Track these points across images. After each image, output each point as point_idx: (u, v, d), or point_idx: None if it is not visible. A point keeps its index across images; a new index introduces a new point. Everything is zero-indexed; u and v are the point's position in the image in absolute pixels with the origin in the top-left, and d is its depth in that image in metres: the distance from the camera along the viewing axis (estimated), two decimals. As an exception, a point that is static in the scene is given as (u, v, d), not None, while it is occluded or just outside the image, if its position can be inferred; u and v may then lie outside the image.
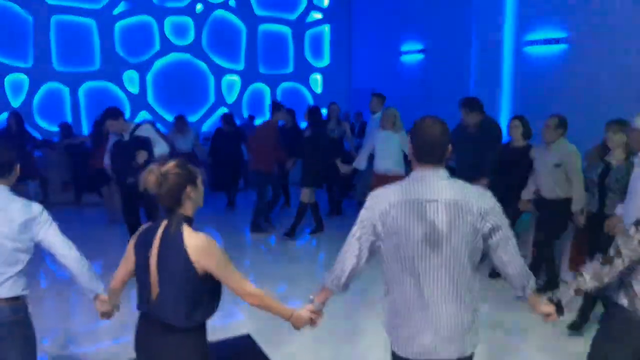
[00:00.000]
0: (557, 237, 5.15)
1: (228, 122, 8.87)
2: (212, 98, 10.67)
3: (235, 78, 10.86)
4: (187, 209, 2.25)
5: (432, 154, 2.19)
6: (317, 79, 11.72)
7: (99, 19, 9.60)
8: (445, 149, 2.20)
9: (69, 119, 9.50)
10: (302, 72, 11.51)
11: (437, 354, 2.20)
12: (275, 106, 7.40)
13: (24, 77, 9.27)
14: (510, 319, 4.69)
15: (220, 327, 4.44)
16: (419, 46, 9.68)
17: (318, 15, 11.50)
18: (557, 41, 7.01)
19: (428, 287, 2.17)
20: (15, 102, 9.21)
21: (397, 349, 2.28)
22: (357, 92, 11.61)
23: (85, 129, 9.66)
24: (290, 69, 11.41)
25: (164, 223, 2.23)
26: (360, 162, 6.86)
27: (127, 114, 9.89)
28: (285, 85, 11.38)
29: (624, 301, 2.56)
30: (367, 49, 11.37)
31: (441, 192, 2.16)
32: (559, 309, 2.52)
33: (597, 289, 2.53)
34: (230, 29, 10.74)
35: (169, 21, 10.13)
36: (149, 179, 2.18)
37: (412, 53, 9.86)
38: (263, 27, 11.01)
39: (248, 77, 10.94)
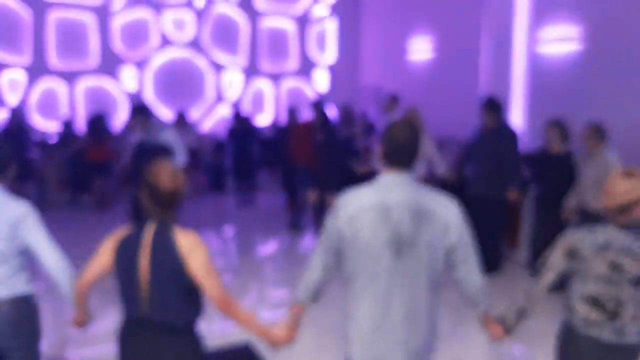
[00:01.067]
0: None
1: (241, 121, 8.91)
2: (212, 95, 10.46)
3: (236, 74, 10.65)
4: (175, 212, 2.30)
5: (401, 158, 2.17)
6: (321, 76, 11.49)
7: (97, 14, 9.43)
8: (414, 154, 2.18)
9: (66, 115, 9.32)
10: (306, 68, 11.28)
11: None
12: (316, 105, 7.27)
13: (21, 73, 9.11)
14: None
15: (219, 333, 4.28)
16: (428, 43, 9.46)
17: (323, 10, 11.28)
18: (572, 39, 6.76)
19: (388, 294, 2.15)
20: (12, 99, 9.06)
21: (349, 354, 2.27)
22: (363, 89, 11.40)
23: (84, 125, 9.50)
24: (293, 65, 11.19)
25: (152, 226, 2.24)
26: (377, 163, 6.70)
27: (125, 111, 9.74)
28: (288, 82, 11.16)
29: (565, 314, 2.50)
30: (374, 45, 11.15)
31: (407, 198, 2.14)
32: (506, 330, 2.50)
33: (530, 308, 2.49)
34: (232, 24, 10.53)
35: (169, 16, 9.93)
36: (165, 172, 2.23)
37: (420, 50, 9.63)
38: (265, 22, 10.79)
39: (250, 73, 10.73)
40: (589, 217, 4.80)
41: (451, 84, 8.79)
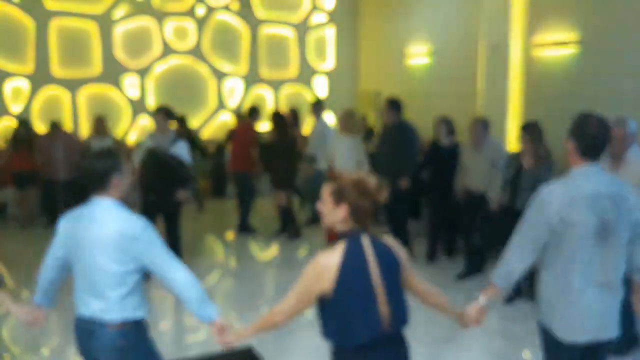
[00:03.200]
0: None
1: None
2: (213, 102, 10.55)
3: (237, 82, 10.75)
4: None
5: (597, 150, 2.38)
6: (321, 82, 11.59)
7: (99, 23, 9.53)
8: (606, 146, 2.39)
9: (69, 123, 9.41)
10: (306, 75, 11.37)
11: (598, 335, 2.45)
12: (252, 110, 7.72)
13: (24, 82, 9.20)
14: (515, 328, 4.56)
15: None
16: (426, 49, 9.55)
17: (322, 18, 11.39)
18: (568, 44, 6.84)
19: (595, 275, 2.39)
20: (15, 107, 9.15)
21: (562, 335, 2.47)
22: (362, 95, 11.49)
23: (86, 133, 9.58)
24: (293, 72, 11.30)
25: (365, 239, 2.15)
26: (322, 164, 7.10)
27: (128, 119, 9.80)
28: (288, 88, 11.26)
29: None
30: (373, 51, 11.24)
31: (606, 187, 2.37)
32: None
33: None
34: (232, 32, 10.63)
35: (170, 25, 10.04)
36: (377, 185, 2.17)
37: (418, 56, 9.72)
38: (265, 29, 10.90)
39: (250, 80, 10.82)
40: (475, 198, 5.63)
41: (449, 89, 8.87)
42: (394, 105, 6.21)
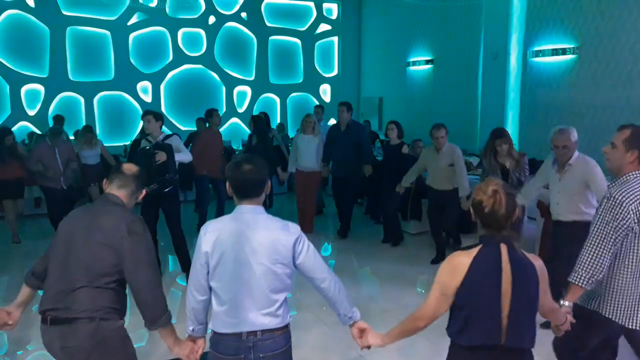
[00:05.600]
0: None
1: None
2: (223, 108, 10.83)
3: (246, 88, 11.04)
4: (513, 231, 2.24)
5: None
6: (326, 88, 11.87)
7: (113, 30, 9.84)
8: None
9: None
10: (312, 82, 11.67)
11: None
12: (208, 113, 7.61)
13: (40, 87, 9.50)
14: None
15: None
16: (427, 57, 9.79)
17: (327, 27, 11.68)
18: (564, 51, 7.07)
19: None
20: (31, 112, 9.44)
21: (625, 320, 2.68)
22: (365, 101, 11.74)
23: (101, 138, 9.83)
24: (299, 79, 11.58)
25: (503, 246, 2.15)
26: (292, 166, 7.47)
27: (140, 124, 10.04)
28: (294, 95, 11.54)
29: None
30: (376, 59, 11.53)
31: None
32: None
33: None
34: (242, 40, 10.95)
35: (182, 33, 10.35)
36: (487, 191, 2.12)
37: (419, 63, 9.98)
38: (273, 38, 11.20)
39: (258, 87, 11.12)
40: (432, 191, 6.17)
41: (449, 96, 9.08)
42: (349, 106, 7.20)
